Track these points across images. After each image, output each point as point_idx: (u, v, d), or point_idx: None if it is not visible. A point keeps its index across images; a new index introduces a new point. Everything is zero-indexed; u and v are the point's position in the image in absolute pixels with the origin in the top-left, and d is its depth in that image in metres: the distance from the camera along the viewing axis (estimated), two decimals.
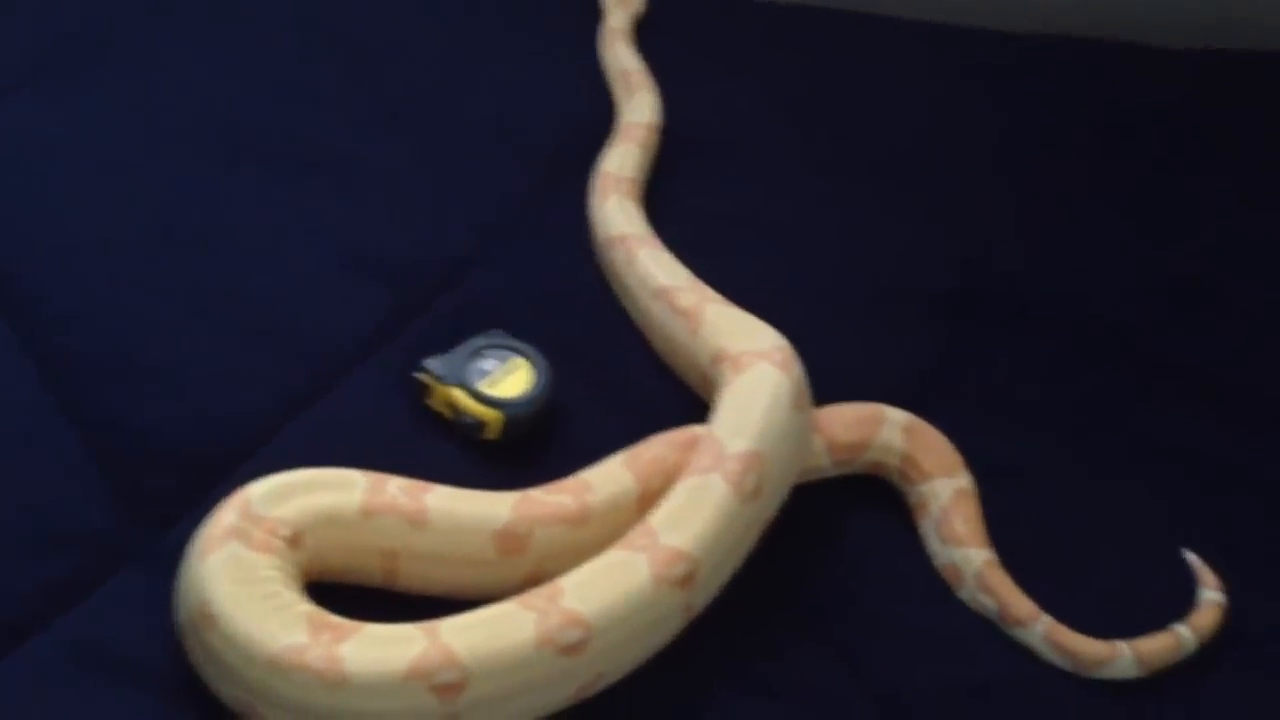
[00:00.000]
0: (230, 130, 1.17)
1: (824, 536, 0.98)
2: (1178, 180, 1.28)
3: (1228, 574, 0.96)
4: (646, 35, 1.33)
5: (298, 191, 1.13)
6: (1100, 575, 0.98)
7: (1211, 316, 1.17)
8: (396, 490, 0.88)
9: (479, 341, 1.01)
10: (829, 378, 0.99)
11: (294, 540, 0.84)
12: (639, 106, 1.23)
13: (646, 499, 0.91)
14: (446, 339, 1.02)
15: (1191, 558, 0.97)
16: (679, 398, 1.04)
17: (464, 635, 0.81)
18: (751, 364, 0.96)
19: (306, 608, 0.81)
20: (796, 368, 0.96)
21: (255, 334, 1.02)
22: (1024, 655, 0.93)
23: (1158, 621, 0.93)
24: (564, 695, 0.84)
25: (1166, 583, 0.97)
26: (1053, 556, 0.98)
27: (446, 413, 0.99)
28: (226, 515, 0.84)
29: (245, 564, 0.81)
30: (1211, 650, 0.93)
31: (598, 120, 1.23)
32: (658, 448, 0.94)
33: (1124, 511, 1.02)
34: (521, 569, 0.89)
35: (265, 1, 1.30)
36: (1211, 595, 0.94)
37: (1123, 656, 0.91)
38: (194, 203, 1.10)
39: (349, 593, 0.87)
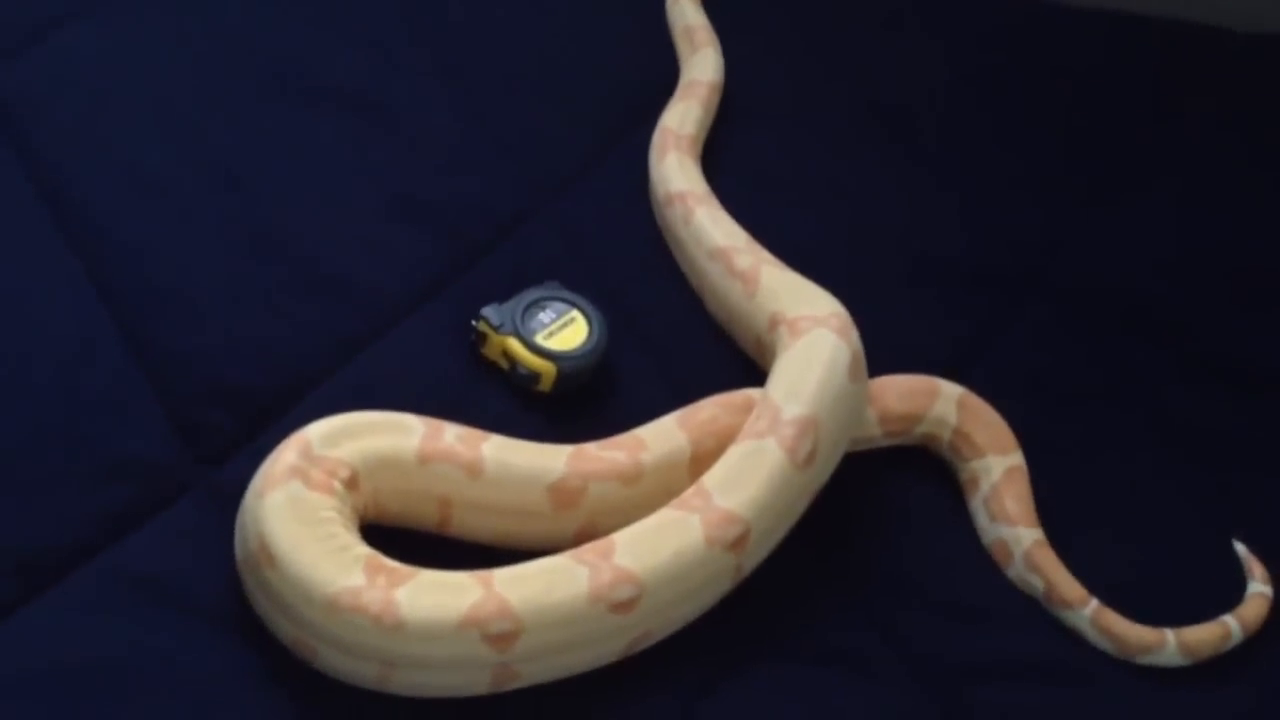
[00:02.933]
0: (282, 69, 1.15)
1: (872, 507, 0.98)
2: (1215, 156, 1.27)
3: (1271, 563, 0.96)
4: None
5: (351, 134, 1.12)
6: (1145, 556, 0.97)
7: (1250, 298, 1.16)
8: (453, 438, 0.88)
9: (536, 293, 1.01)
10: (870, 350, 0.98)
11: (352, 482, 0.84)
12: (702, 63, 1.22)
13: (699, 459, 0.91)
14: (501, 290, 1.01)
15: (1240, 549, 0.97)
16: (732, 359, 1.04)
17: (518, 587, 0.81)
18: (809, 329, 0.95)
19: (364, 550, 0.82)
20: (854, 335, 0.96)
21: (309, 275, 1.02)
22: (1068, 636, 0.93)
23: (1198, 606, 0.93)
24: (613, 650, 0.85)
25: (1211, 568, 0.97)
26: (1097, 537, 0.98)
27: (501, 362, 0.99)
28: (287, 454, 0.84)
29: (305, 504, 0.82)
30: (1255, 642, 0.93)
31: (661, 76, 1.22)
32: (712, 409, 0.94)
33: (1168, 492, 1.02)
34: (574, 523, 0.89)
35: None
36: (1259, 588, 0.94)
37: (1168, 645, 0.91)
38: (248, 141, 1.09)
39: (401, 537, 0.87)
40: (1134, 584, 0.95)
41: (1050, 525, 0.96)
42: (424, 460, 0.87)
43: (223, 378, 0.94)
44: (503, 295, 1.01)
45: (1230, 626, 0.92)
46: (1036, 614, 0.93)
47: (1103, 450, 1.04)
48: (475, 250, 1.07)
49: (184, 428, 0.91)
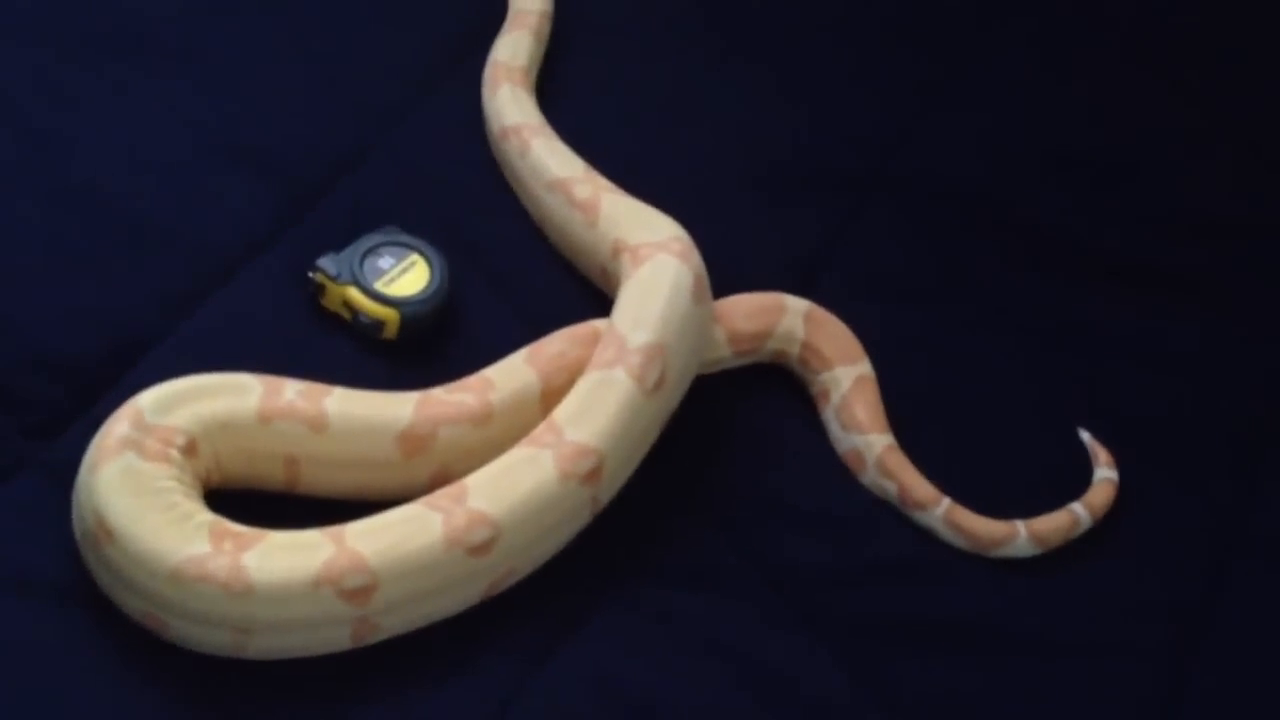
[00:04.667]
0: (87, 19, 1.10)
1: (727, 426, 0.98)
2: (1049, 51, 1.29)
3: (1117, 446, 0.99)
4: None
5: (162, 79, 1.07)
6: (994, 449, 1.00)
7: (1089, 185, 1.18)
8: (294, 394, 0.86)
9: (374, 239, 0.99)
10: (714, 264, 0.98)
11: (189, 449, 0.82)
12: None
13: (550, 395, 0.90)
14: (338, 236, 0.99)
15: (1086, 436, 0.99)
16: (579, 291, 1.03)
17: (371, 539, 0.80)
18: (651, 255, 0.95)
19: (207, 517, 0.80)
20: (696, 258, 0.96)
21: (132, 232, 0.98)
22: (924, 536, 0.94)
23: (1049, 496, 0.96)
24: (474, 593, 0.84)
25: (1061, 456, 0.99)
26: (949, 435, 1.00)
27: (343, 313, 0.97)
28: (118, 426, 0.82)
29: (141, 475, 0.79)
30: (1105, 525, 0.96)
31: (490, 7, 1.20)
32: (560, 343, 0.93)
33: (1013, 383, 1.04)
34: (426, 469, 0.88)
35: None
36: (1105, 473, 0.97)
37: (1019, 537, 0.93)
38: (56, 96, 1.04)
39: (250, 499, 0.85)
40: (984, 479, 0.97)
41: (900, 428, 0.98)
42: (265, 419, 0.85)
43: (48, 346, 0.91)
44: (338, 241, 0.98)
45: (1078, 514, 0.94)
46: (893, 519, 0.95)
47: (947, 346, 1.05)
48: (306, 195, 1.04)
49: (10, 401, 0.88)
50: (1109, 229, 1.15)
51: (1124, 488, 0.97)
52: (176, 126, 1.06)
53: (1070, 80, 1.27)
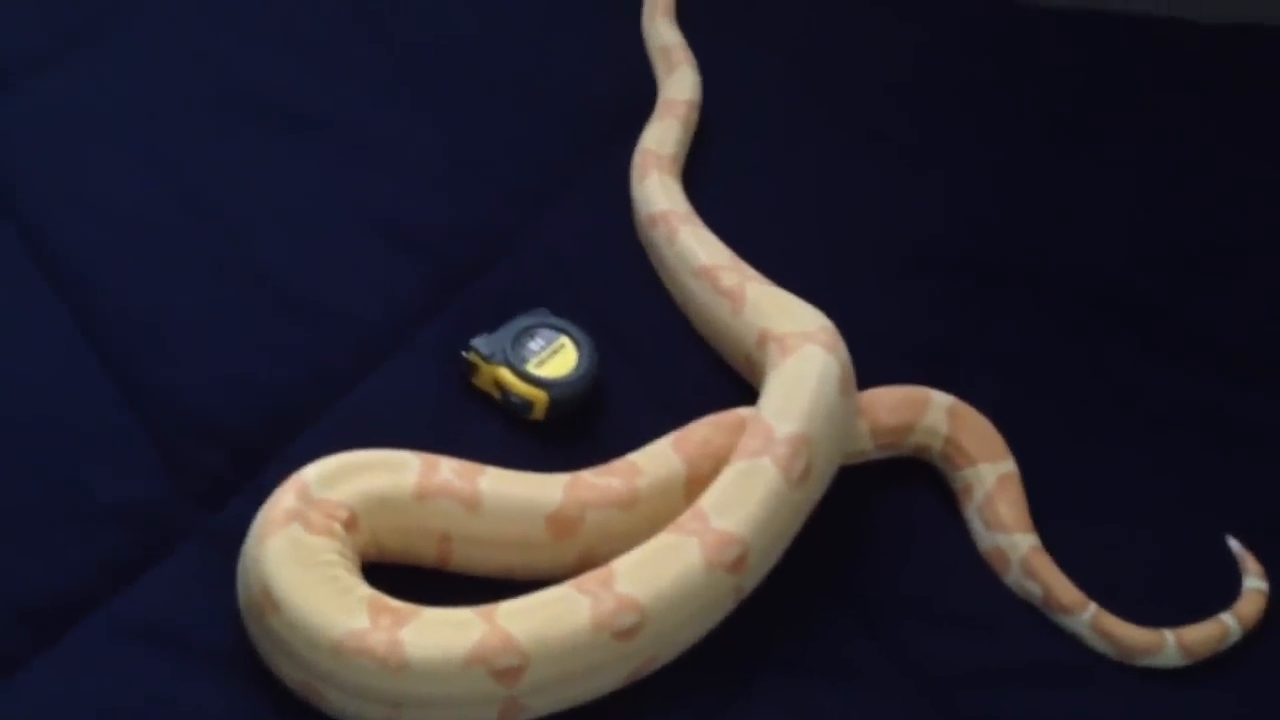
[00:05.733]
0: (256, 99, 1.15)
1: (868, 520, 0.98)
2: (1180, 144, 1.28)
3: (1266, 555, 0.97)
4: (686, 10, 1.32)
5: (327, 161, 1.12)
6: (1138, 550, 0.98)
7: (1225, 281, 1.17)
8: (450, 472, 0.88)
9: (525, 321, 1.01)
10: (856, 352, 0.99)
11: (351, 523, 0.85)
12: (679, 82, 1.22)
13: (694, 481, 0.91)
14: (489, 317, 1.01)
15: (1234, 545, 0.98)
16: (722, 377, 1.04)
17: (522, 620, 0.81)
18: (798, 346, 0.96)
19: (366, 591, 0.82)
20: (843, 349, 0.96)
21: (294, 309, 1.02)
22: (1068, 641, 0.93)
23: (1198, 603, 0.94)
24: (618, 677, 0.85)
25: (1204, 561, 0.97)
26: (1087, 533, 0.98)
27: (494, 392, 0.99)
28: (285, 498, 0.84)
29: (306, 547, 0.82)
30: (1254, 638, 0.94)
31: (639, 93, 1.22)
32: (705, 430, 0.94)
33: (1157, 481, 1.03)
34: (573, 551, 0.89)
35: None
36: (1255, 584, 0.95)
37: (1168, 646, 0.92)
38: (227, 173, 1.09)
39: (403, 574, 0.87)
40: (1128, 581, 0.95)
41: (1041, 522, 0.97)
42: (421, 497, 0.87)
43: (215, 417, 0.94)
44: (489, 322, 1.01)
45: (1228, 625, 0.93)
46: (1036, 620, 0.94)
47: (1088, 440, 1.04)
48: (460, 276, 1.07)
49: (178, 470, 0.91)
50: (1252, 323, 1.14)
51: (1273, 598, 0.95)
52: (336, 204, 1.10)
53: (1212, 171, 1.26)
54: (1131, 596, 0.94)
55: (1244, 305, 1.15)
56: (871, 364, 1.02)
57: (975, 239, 1.17)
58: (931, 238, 1.17)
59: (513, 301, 1.04)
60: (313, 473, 0.86)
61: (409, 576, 0.87)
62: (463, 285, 1.07)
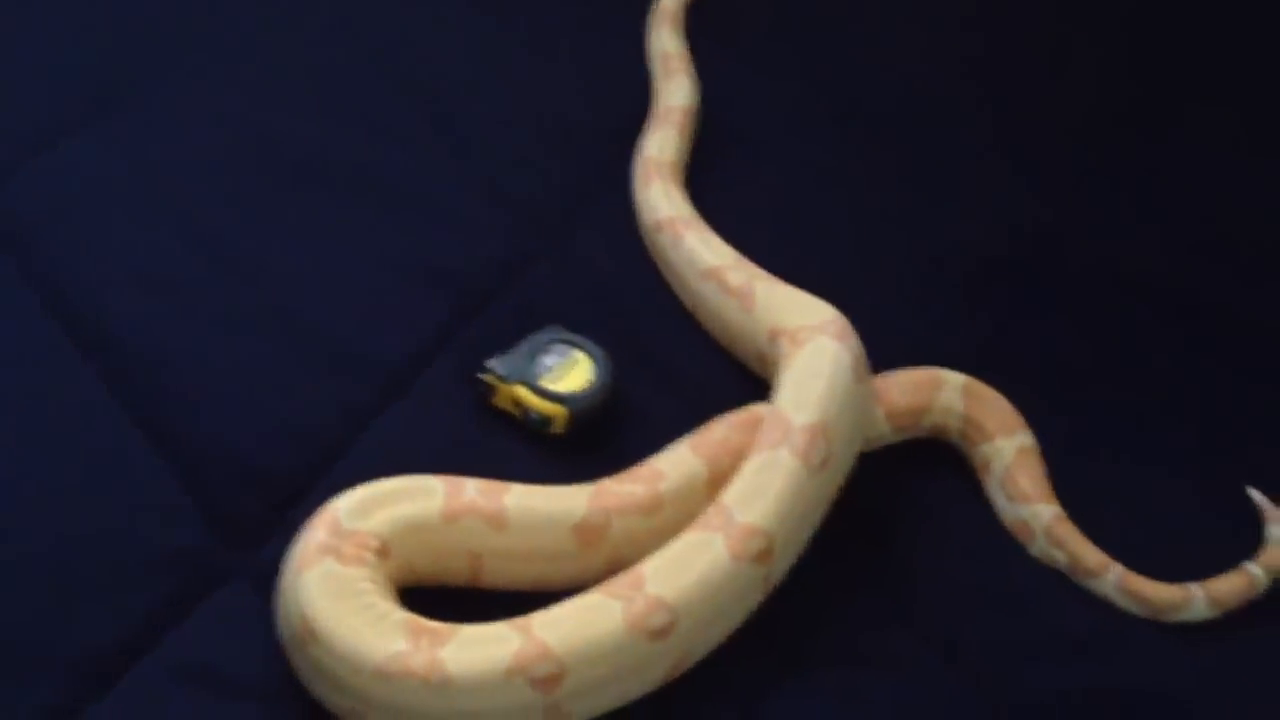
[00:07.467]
0: (274, 153, 1.18)
1: (891, 502, 0.99)
2: (1219, 137, 1.28)
3: None
4: (691, 19, 1.33)
5: (341, 208, 1.14)
6: (1167, 520, 0.99)
7: (1260, 268, 1.18)
8: (475, 493, 0.90)
9: (539, 338, 1.03)
10: (880, 356, 1.01)
11: (383, 551, 0.87)
12: (675, 90, 1.24)
13: (716, 481, 0.93)
14: (505, 338, 1.03)
15: (1256, 495, 0.98)
16: (736, 377, 1.05)
17: (556, 629, 0.83)
18: (810, 338, 0.97)
19: (402, 615, 0.84)
20: (854, 339, 0.98)
21: (316, 352, 1.04)
22: (1099, 605, 0.94)
23: (1229, 562, 0.95)
24: (657, 676, 0.87)
25: (1234, 521, 0.98)
26: (1118, 508, 0.99)
27: (513, 411, 1.01)
28: (317, 533, 0.86)
29: (340, 579, 0.84)
30: None
31: (638, 108, 1.24)
32: (723, 429, 0.96)
33: (1186, 461, 1.03)
34: (601, 558, 0.91)
35: (288, 20, 1.31)
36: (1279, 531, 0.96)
37: (1196, 600, 0.92)
38: (243, 229, 1.11)
39: (437, 594, 0.89)
40: (1154, 544, 0.96)
41: (1069, 502, 0.98)
42: (449, 519, 0.89)
43: (247, 462, 0.96)
44: (509, 342, 1.03)
45: (1254, 574, 0.93)
46: (1064, 587, 0.95)
47: (1121, 434, 1.05)
48: (474, 303, 1.09)
49: (216, 516, 0.93)
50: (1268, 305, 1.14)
51: None
52: (355, 247, 1.12)
53: (1243, 163, 1.26)
54: (1160, 557, 0.95)
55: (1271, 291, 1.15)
56: (898, 364, 1.03)
57: (1000, 239, 1.18)
58: (953, 240, 1.18)
59: (527, 322, 1.05)
60: (342, 506, 0.88)
61: (444, 597, 0.89)
62: (478, 312, 1.09)
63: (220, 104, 1.21)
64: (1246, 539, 0.97)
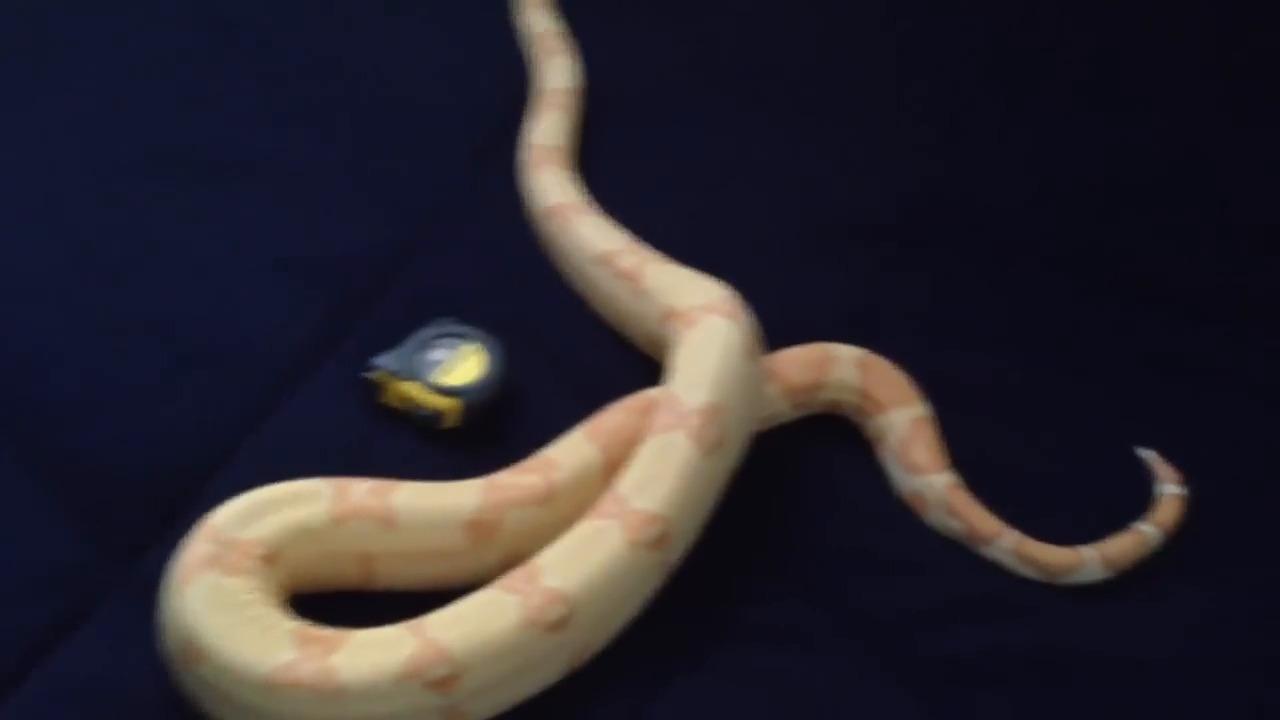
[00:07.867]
0: (134, 144, 1.15)
1: (793, 480, 0.99)
2: (1088, 82, 1.29)
3: (1187, 466, 0.98)
4: None
5: (215, 200, 1.12)
6: (1062, 483, 1.00)
7: (1142, 215, 1.18)
8: (362, 493, 0.89)
9: (427, 332, 1.02)
10: (776, 322, 1.00)
11: (269, 559, 0.85)
12: (556, 71, 1.23)
13: (611, 468, 0.92)
14: (395, 333, 1.02)
15: (1147, 454, 0.99)
16: (630, 363, 1.05)
17: (451, 628, 0.82)
18: (701, 318, 0.96)
19: (291, 624, 0.82)
20: (745, 317, 0.97)
21: (193, 353, 1.02)
22: (996, 571, 0.95)
23: (1120, 523, 0.95)
24: (557, 669, 0.86)
25: (1127, 483, 0.99)
26: (1014, 471, 1.00)
27: (403, 408, 1.00)
28: (198, 544, 0.84)
29: (224, 591, 0.82)
30: (1177, 544, 0.95)
31: (520, 91, 1.23)
32: (617, 416, 0.95)
33: (1078, 416, 1.04)
34: (496, 553, 0.90)
35: (143, 7, 1.27)
36: (1170, 489, 0.97)
37: (1089, 561, 0.93)
38: (110, 223, 1.09)
39: (329, 599, 0.88)
40: (1049, 509, 0.97)
41: (971, 473, 0.98)
42: (337, 522, 0.87)
43: (124, 471, 0.94)
44: (399, 336, 1.01)
45: (1146, 532, 0.94)
46: (961, 556, 0.95)
47: (1016, 387, 1.06)
48: (361, 299, 1.07)
49: (93, 529, 0.91)
50: (1159, 252, 1.15)
51: (1202, 509, 0.96)
52: (230, 244, 1.10)
53: (1117, 109, 1.27)
54: (1051, 520, 0.95)
55: (1164, 238, 1.16)
56: (794, 337, 1.02)
57: (887, 201, 1.18)
58: (840, 204, 1.18)
59: (418, 317, 1.04)
60: (224, 515, 0.86)
61: (338, 603, 0.88)
62: (366, 308, 1.07)
63: (77, 101, 1.18)
64: (1137, 499, 0.97)
